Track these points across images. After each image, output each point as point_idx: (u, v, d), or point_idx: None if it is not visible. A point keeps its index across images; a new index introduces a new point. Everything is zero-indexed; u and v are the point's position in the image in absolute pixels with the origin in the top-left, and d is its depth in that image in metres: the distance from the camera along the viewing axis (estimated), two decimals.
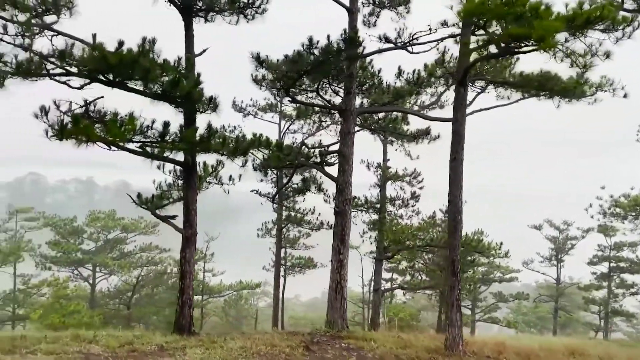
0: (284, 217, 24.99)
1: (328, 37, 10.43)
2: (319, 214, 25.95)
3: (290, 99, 12.30)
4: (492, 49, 10.87)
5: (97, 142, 8.09)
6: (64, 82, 8.33)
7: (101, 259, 38.76)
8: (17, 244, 34.27)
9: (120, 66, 8.02)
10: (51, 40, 9.18)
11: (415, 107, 16.11)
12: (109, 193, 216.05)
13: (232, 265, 39.52)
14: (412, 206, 24.43)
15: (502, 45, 7.81)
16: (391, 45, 12.60)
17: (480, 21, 8.17)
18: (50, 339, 8.40)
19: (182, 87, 8.69)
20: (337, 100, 14.11)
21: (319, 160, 13.99)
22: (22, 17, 8.82)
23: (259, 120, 27.31)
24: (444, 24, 10.20)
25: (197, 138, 8.93)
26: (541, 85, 10.40)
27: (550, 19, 6.94)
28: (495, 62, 13.40)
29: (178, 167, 11.91)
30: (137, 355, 7.69)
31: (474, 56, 10.15)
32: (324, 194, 18.01)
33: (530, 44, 7.27)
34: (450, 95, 16.34)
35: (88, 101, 8.52)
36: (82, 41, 9.16)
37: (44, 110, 7.79)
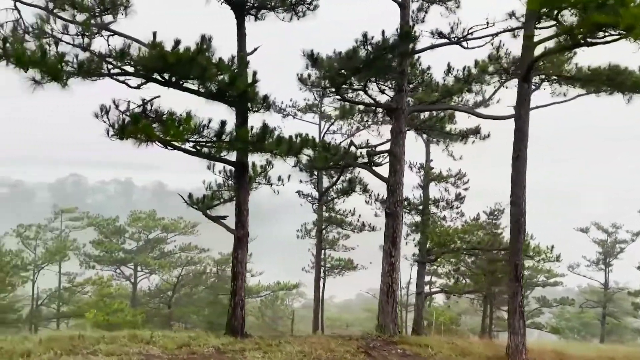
0: (324, 219, 24.76)
1: (383, 32, 10.12)
2: (359, 215, 25.62)
3: (339, 98, 12.03)
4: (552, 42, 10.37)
5: (155, 142, 7.99)
6: (123, 82, 8.30)
7: (142, 258, 39.49)
8: (63, 243, 35.19)
9: (178, 65, 7.93)
10: (107, 40, 9.19)
11: (461, 105, 15.59)
12: (147, 193, 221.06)
13: (269, 265, 39.52)
14: (457, 208, 23.80)
15: (579, 36, 7.31)
16: (444, 40, 12.19)
17: (551, 11, 7.70)
18: (108, 339, 8.37)
19: (238, 86, 8.53)
20: (382, 98, 13.78)
21: (366, 160, 13.67)
22: (79, 17, 8.85)
23: (298, 120, 27.23)
24: (512, 14, 9.73)
25: (253, 137, 8.75)
26: (610, 80, 9.79)
27: (633, 5, 6.43)
28: (553, 57, 12.79)
29: (228, 168, 11.82)
30: (196, 357, 7.58)
31: (536, 50, 9.64)
32: (369, 195, 17.69)
33: (614, 33, 6.76)
34: (501, 93, 15.80)
35: (145, 100, 8.46)
36: (137, 41, 9.14)
37: (105, 110, 7.78)
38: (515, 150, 9.58)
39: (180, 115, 8.66)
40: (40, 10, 8.52)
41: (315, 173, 26.38)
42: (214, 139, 8.62)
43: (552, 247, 22.17)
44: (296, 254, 36.67)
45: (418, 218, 25.06)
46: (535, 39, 9.48)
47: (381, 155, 13.94)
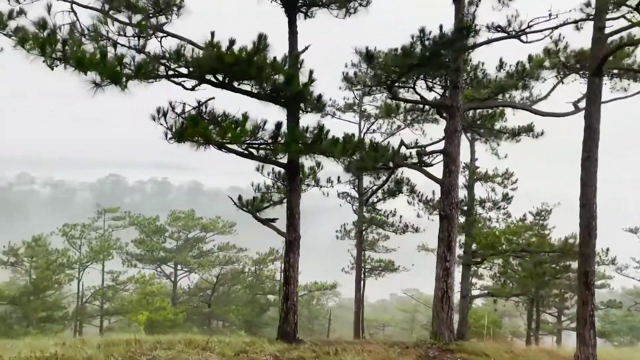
0: (364, 220, 24.36)
1: (441, 27, 9.67)
2: (400, 216, 25.09)
3: (390, 96, 11.63)
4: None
5: (211, 145, 7.82)
6: (179, 84, 8.16)
7: (182, 257, 40.02)
8: (107, 242, 35.95)
9: (236, 65, 7.72)
10: (160, 41, 9.09)
11: (516, 102, 14.91)
12: (182, 193, 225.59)
13: (306, 266, 39.28)
14: (504, 208, 23.00)
15: None
16: (502, 34, 11.62)
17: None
18: (164, 344, 8.25)
19: (294, 86, 8.27)
20: (429, 96, 13.31)
21: (416, 160, 13.22)
22: (133, 19, 8.77)
23: (336, 120, 26.90)
24: (587, 4, 9.12)
25: (309, 139, 8.48)
26: None
27: None
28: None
29: (277, 170, 11.62)
30: None
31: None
32: (417, 196, 17.21)
33: None
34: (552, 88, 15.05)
35: (201, 102, 8.30)
36: (190, 42, 9.01)
37: (162, 112, 7.65)
38: (586, 149, 8.99)
39: (235, 117, 8.47)
40: (96, 12, 8.47)
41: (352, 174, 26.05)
42: (269, 140, 8.37)
43: (607, 249, 21.13)
44: (334, 254, 36.39)
45: (462, 219, 24.41)
46: (608, 30, 8.88)
47: (431, 155, 13.48)
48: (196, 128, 7.30)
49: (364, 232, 26.99)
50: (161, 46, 8.92)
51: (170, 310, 31.66)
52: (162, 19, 8.97)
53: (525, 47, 12.53)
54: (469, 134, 22.57)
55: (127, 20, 8.63)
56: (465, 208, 23.40)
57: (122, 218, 41.61)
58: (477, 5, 13.18)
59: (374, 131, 25.49)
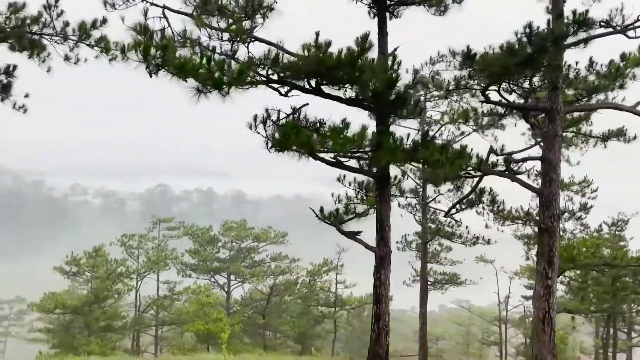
0: (429, 231, 23.37)
1: (549, 21, 8.81)
2: (467, 227, 23.95)
3: (484, 100, 10.78)
4: None
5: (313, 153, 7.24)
6: (277, 89, 7.66)
7: (236, 267, 39.99)
8: (163, 252, 36.30)
9: (336, 68, 7.13)
10: (247, 46, 8.63)
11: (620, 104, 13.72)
12: (227, 202, 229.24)
13: (357, 276, 38.34)
14: (582, 219, 21.50)
15: None
16: (607, 30, 10.60)
17: None
18: None
19: (396, 90, 7.60)
20: (509, 98, 12.37)
21: (503, 168, 12.28)
22: (222, 24, 8.35)
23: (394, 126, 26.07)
24: None
25: (410, 146, 7.78)
26: None
27: None
28: None
29: (360, 179, 10.96)
30: None
31: None
32: (497, 206, 16.12)
33: None
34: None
35: (295, 108, 7.75)
36: (277, 46, 8.53)
37: (262, 120, 7.15)
38: None
39: (327, 123, 7.89)
40: (187, 17, 8.11)
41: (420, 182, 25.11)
42: (370, 148, 7.71)
43: None
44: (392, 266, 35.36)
45: (529, 229, 23.08)
46: None
47: (515, 162, 12.51)
48: (299, 136, 6.74)
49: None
50: (248, 51, 8.48)
51: (227, 321, 31.44)
52: (254, 22, 8.51)
53: (602, 46, 11.47)
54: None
55: (216, 25, 8.21)
56: (537, 218, 22.05)
57: (176, 228, 42.07)
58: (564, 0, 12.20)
59: (434, 137, 24.52)
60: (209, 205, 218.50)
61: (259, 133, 7.26)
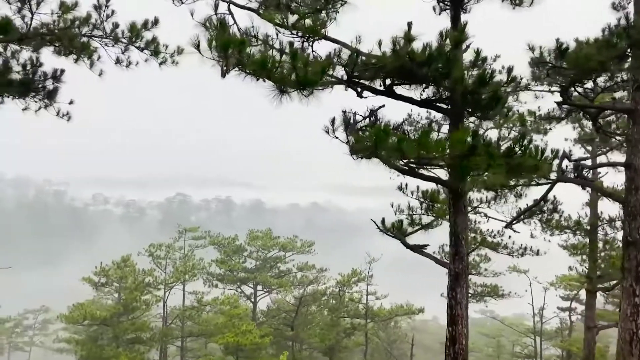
0: (473, 241, 22.33)
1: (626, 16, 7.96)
2: (509, 236, 22.86)
3: (562, 102, 9.92)
4: None
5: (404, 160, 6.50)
6: (356, 90, 6.94)
7: (263, 277, 39.30)
8: (192, 263, 35.80)
9: (424, 65, 6.39)
10: (312, 45, 7.93)
11: None
12: (244, 210, 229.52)
13: (385, 287, 37.27)
14: None
15: None
16: None
17: None
18: None
19: (486, 89, 6.83)
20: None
21: (575, 175, 11.36)
22: (291, 20, 7.67)
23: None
24: None
25: (505, 152, 6.97)
26: None
27: None
28: None
29: (425, 188, 10.16)
30: None
31: None
32: (560, 216, 15.17)
33: None
34: None
35: (372, 110, 7.02)
36: (344, 44, 7.83)
37: (345, 123, 6.44)
38: None
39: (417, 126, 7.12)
40: (253, 12, 7.46)
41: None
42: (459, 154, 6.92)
43: None
44: (422, 276, 34.28)
45: (572, 238, 21.99)
46: None
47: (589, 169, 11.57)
48: (390, 141, 6.00)
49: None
50: (312, 50, 7.79)
51: (257, 333, 30.72)
52: (321, 18, 7.81)
53: None
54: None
55: (281, 21, 7.53)
56: (588, 227, 20.94)
57: (202, 237, 41.57)
58: None
59: (531, 140, 23.52)
60: (228, 214, 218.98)
61: (337, 138, 6.55)
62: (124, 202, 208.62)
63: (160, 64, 9.84)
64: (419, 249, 9.66)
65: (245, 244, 41.54)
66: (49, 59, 9.97)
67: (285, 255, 41.80)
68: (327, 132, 6.61)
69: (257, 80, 6.02)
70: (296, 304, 36.53)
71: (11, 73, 8.94)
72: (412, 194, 10.39)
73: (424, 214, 10.20)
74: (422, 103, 8.02)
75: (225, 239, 42.00)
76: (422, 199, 10.14)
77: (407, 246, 9.76)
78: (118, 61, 9.03)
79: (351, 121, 6.67)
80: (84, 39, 9.21)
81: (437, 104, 8.25)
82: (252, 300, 40.74)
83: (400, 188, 10.38)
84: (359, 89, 7.58)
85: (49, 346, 54.74)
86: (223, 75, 6.05)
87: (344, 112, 6.77)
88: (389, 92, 7.74)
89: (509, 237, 22.72)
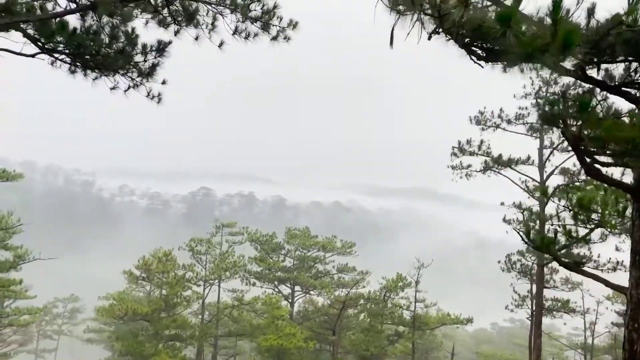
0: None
1: None
2: (588, 248, 21.06)
3: None
4: None
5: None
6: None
7: (302, 277, 38.02)
8: (233, 259, 34.68)
9: None
10: None
11: None
12: (267, 206, 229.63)
13: (434, 295, 35.55)
14: None
15: None
16: None
17: None
18: None
19: None
20: None
21: None
22: None
23: (500, 132, 23.59)
24: None
25: None
26: None
27: None
28: None
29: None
30: None
31: None
32: None
33: None
34: None
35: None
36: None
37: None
38: None
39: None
40: None
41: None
42: None
43: None
44: (444, 278, 32.32)
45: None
46: None
47: None
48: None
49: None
50: None
51: (300, 337, 29.43)
52: None
53: None
54: None
55: None
56: None
57: (239, 233, 40.45)
58: None
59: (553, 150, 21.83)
60: (250, 210, 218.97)
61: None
62: (149, 194, 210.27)
63: (273, 39, 8.49)
64: (577, 267, 8.10)
65: (284, 242, 40.35)
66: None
67: (325, 255, 40.47)
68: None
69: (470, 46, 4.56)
70: (338, 306, 35.09)
71: (116, 43, 7.67)
72: (559, 201, 8.83)
73: (583, 226, 8.58)
74: (614, 88, 6.49)
75: (263, 235, 40.86)
76: (576, 209, 8.54)
77: (562, 263, 8.19)
78: (236, 31, 7.68)
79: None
80: (193, 4, 7.90)
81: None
82: (290, 300, 39.50)
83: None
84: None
85: (77, 335, 54.41)
86: (430, 37, 4.61)
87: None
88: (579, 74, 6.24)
89: (589, 249, 21.02)
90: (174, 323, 29.46)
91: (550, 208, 20.14)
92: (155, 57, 8.29)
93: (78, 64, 8.69)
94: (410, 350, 33.85)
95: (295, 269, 39.80)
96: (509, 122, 23.25)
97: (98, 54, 7.86)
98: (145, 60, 8.23)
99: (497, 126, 23.11)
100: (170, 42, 7.87)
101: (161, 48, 8.16)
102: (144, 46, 8.20)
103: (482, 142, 22.55)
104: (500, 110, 22.68)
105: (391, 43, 5.37)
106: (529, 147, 23.35)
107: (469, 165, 23.74)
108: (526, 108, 22.77)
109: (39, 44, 8.42)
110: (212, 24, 7.49)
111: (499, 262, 24.33)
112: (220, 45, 7.49)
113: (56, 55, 8.60)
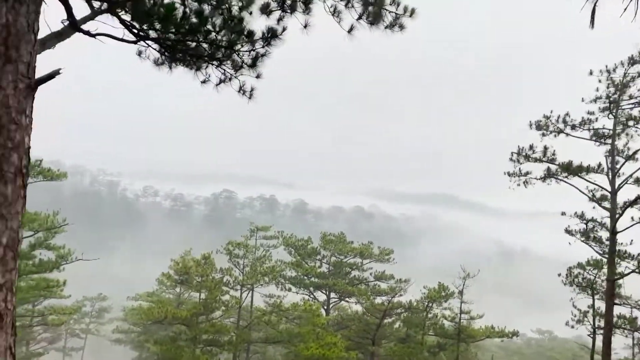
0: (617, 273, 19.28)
1: None
2: None
3: None
4: None
5: None
6: None
7: (339, 284, 37.16)
8: (271, 264, 33.98)
9: None
10: None
11: None
12: (289, 210, 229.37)
13: (481, 307, 34.23)
14: None
15: None
16: None
17: None
18: None
19: None
20: None
21: None
22: None
23: (562, 138, 22.39)
24: None
25: None
26: None
27: None
28: None
29: None
30: None
31: None
32: None
33: None
34: None
35: None
36: None
37: None
38: None
39: None
40: None
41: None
42: None
43: None
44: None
45: None
46: None
47: None
48: None
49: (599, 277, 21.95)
50: None
51: (342, 347, 28.48)
52: None
53: None
54: None
55: None
56: None
57: (274, 237, 39.73)
58: None
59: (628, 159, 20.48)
60: (272, 213, 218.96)
61: None
62: (172, 195, 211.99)
63: (387, 27, 7.65)
64: None
65: (320, 247, 39.58)
66: None
67: (362, 262, 39.55)
68: None
69: None
70: (377, 315, 34.06)
71: (229, 30, 6.92)
72: None
73: None
74: None
75: (298, 240, 40.18)
76: None
77: None
78: (335, 12, 6.82)
79: None
80: None
81: None
82: (325, 307, 38.64)
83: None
84: None
85: (103, 335, 54.43)
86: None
87: None
88: None
89: None
90: (212, 328, 28.79)
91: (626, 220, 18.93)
92: (263, 46, 7.52)
93: (167, 53, 7.99)
94: None
95: (331, 275, 38.98)
96: (572, 127, 22.09)
97: (205, 41, 7.11)
98: (252, 50, 7.47)
99: (561, 131, 21.95)
100: (285, 29, 7.08)
101: (270, 37, 7.38)
102: (250, 33, 7.44)
103: (546, 148, 21.39)
104: (567, 114, 21.52)
105: (592, 23, 4.53)
106: (590, 155, 22.13)
107: (527, 173, 22.61)
108: (593, 113, 21.59)
109: (134, 31, 7.74)
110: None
111: (559, 275, 23.06)
112: (350, 30, 6.62)
113: (150, 42, 7.92)
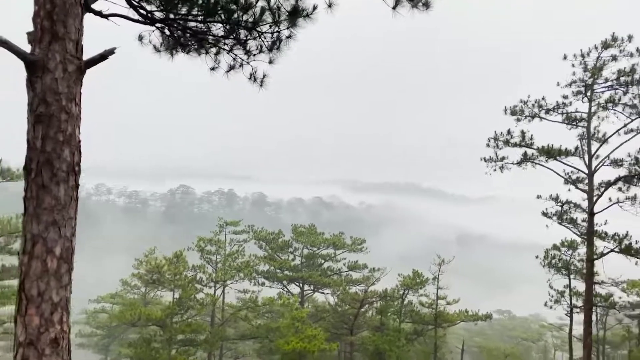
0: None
1: None
2: (629, 234, 20.40)
3: None
4: None
5: None
6: None
7: (314, 276, 36.83)
8: (245, 259, 33.21)
9: None
10: None
11: None
12: (247, 203, 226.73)
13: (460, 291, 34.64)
14: None
15: None
16: None
17: None
18: None
19: None
20: None
21: None
22: None
23: (537, 122, 22.82)
24: None
25: None
26: None
27: None
28: None
29: None
30: None
31: None
32: None
33: None
34: None
35: None
36: None
37: None
38: None
39: None
40: None
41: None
42: None
43: None
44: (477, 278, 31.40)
45: None
46: None
47: None
48: None
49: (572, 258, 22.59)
50: None
51: (322, 340, 28.21)
52: None
53: None
54: None
55: None
56: None
57: (245, 232, 38.89)
58: None
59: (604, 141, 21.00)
60: (230, 207, 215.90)
61: None
62: (126, 192, 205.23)
63: (413, 5, 7.24)
64: None
65: (292, 240, 39.06)
66: None
67: (335, 253, 39.34)
68: None
69: None
70: (353, 305, 33.97)
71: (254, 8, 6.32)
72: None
73: None
74: None
75: (269, 234, 39.51)
76: None
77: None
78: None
79: None
80: None
81: None
82: (300, 300, 38.25)
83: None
84: None
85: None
86: None
87: None
88: None
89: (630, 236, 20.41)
90: (188, 327, 27.85)
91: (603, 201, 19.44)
92: (288, 27, 6.96)
93: (176, 35, 7.31)
94: (431, 350, 33.04)
95: (304, 267, 38.60)
96: (547, 111, 22.50)
97: (229, 21, 6.49)
98: (277, 31, 6.89)
99: (536, 115, 22.31)
100: (315, 8, 6.54)
101: (296, 18, 6.81)
102: (274, 11, 6.86)
103: (523, 132, 21.70)
104: (542, 98, 21.87)
105: None
106: (560, 138, 22.62)
107: (503, 158, 22.91)
108: (567, 97, 22.04)
109: (142, 12, 7.00)
110: None
111: (536, 257, 23.58)
112: (395, 6, 6.12)
113: (159, 25, 7.20)
